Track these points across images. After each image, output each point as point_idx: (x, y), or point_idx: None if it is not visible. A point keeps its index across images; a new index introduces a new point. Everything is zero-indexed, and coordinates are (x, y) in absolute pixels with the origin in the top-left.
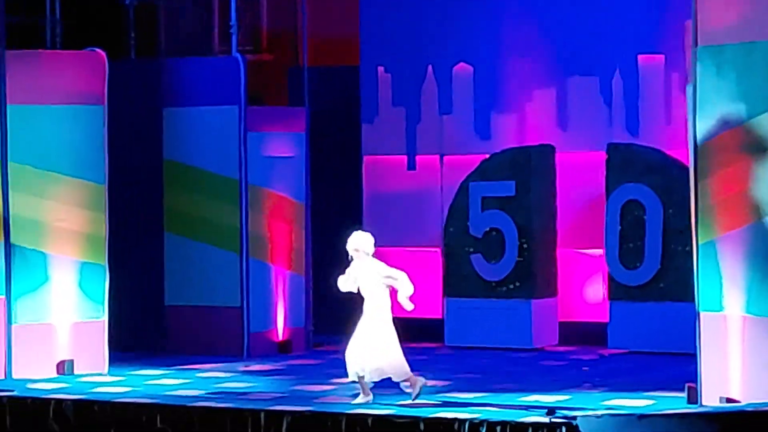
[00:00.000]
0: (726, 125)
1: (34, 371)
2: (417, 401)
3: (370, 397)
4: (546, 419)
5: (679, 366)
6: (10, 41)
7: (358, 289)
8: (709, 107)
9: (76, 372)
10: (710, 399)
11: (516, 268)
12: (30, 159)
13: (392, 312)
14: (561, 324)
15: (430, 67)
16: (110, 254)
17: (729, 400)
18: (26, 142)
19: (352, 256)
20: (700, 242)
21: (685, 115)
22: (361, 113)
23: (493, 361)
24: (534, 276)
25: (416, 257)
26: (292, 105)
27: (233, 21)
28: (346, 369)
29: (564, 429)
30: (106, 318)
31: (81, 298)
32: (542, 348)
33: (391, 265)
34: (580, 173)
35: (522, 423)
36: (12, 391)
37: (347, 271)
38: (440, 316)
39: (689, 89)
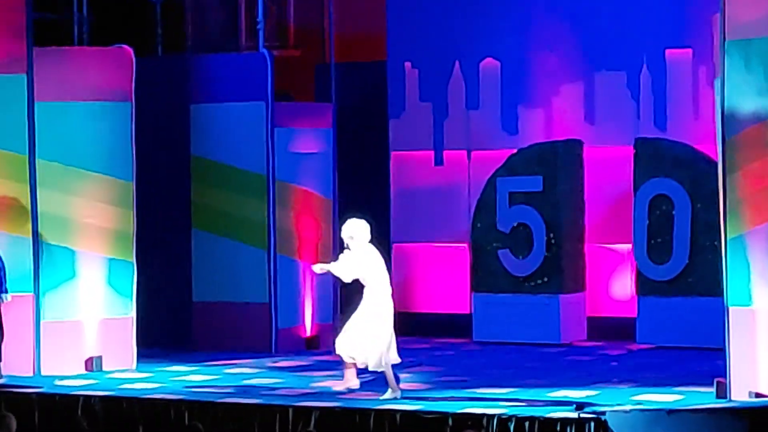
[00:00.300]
0: (754, 119)
1: (63, 368)
2: (445, 396)
3: (357, 383)
4: (574, 415)
5: (707, 361)
6: (37, 38)
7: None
8: (738, 101)
9: (104, 368)
10: (739, 393)
11: (544, 264)
12: (58, 156)
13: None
14: (589, 319)
15: (457, 63)
16: (138, 251)
17: (758, 395)
18: (54, 139)
19: (347, 244)
20: (728, 237)
21: (713, 109)
22: (388, 109)
23: (521, 357)
24: (562, 271)
25: (444, 253)
26: (319, 101)
27: (260, 17)
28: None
29: (593, 424)
30: (134, 314)
31: (109, 294)
32: (570, 343)
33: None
34: (607, 168)
35: (550, 418)
36: (40, 387)
37: (341, 258)
38: (468, 312)
39: (717, 83)
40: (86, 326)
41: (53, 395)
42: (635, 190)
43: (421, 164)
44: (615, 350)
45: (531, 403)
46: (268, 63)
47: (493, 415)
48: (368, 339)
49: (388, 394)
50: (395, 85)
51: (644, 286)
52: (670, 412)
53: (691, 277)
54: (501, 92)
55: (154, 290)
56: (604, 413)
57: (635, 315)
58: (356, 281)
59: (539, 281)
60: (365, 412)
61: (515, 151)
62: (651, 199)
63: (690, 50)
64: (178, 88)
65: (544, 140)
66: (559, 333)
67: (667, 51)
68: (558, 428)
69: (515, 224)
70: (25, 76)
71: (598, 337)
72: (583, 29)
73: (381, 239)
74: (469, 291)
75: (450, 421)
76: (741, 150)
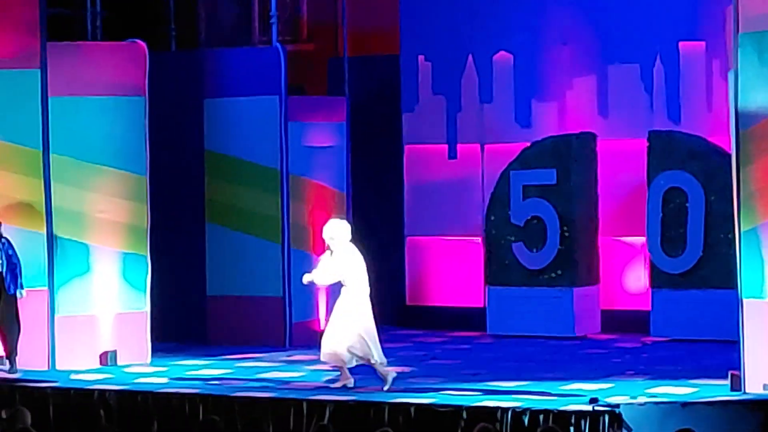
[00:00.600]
0: None
1: (78, 362)
2: (458, 390)
3: (351, 381)
4: (589, 407)
5: (721, 353)
6: (51, 33)
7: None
8: (751, 94)
9: (119, 363)
10: (753, 386)
11: (557, 257)
12: (72, 151)
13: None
14: (603, 312)
15: (470, 56)
16: (152, 245)
17: None
18: (68, 133)
19: (328, 245)
20: (742, 229)
21: (726, 101)
22: (401, 102)
23: (535, 350)
24: (576, 264)
25: (458, 246)
26: (332, 95)
27: (273, 11)
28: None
29: (607, 417)
30: (148, 308)
31: (123, 289)
32: (584, 336)
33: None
34: (621, 161)
35: (565, 411)
36: (55, 382)
37: (321, 259)
38: (482, 305)
39: (731, 76)
40: (101, 321)
41: (68, 390)
42: (649, 182)
43: (434, 158)
44: (629, 343)
45: (545, 396)
46: (282, 57)
47: (507, 409)
48: (358, 336)
49: (387, 383)
50: (408, 78)
51: (658, 278)
52: (685, 404)
53: (704, 270)
54: (514, 85)
55: (168, 284)
56: (618, 406)
57: (649, 308)
58: None
59: (553, 274)
60: (380, 406)
61: (529, 144)
62: (664, 192)
63: (703, 43)
64: (191, 83)
65: (557, 133)
66: (573, 326)
67: (681, 43)
68: (572, 421)
69: (529, 217)
70: (38, 71)
71: (612, 330)
72: (597, 22)
73: (395, 233)
74: (483, 284)
75: (464, 415)
76: (754, 142)
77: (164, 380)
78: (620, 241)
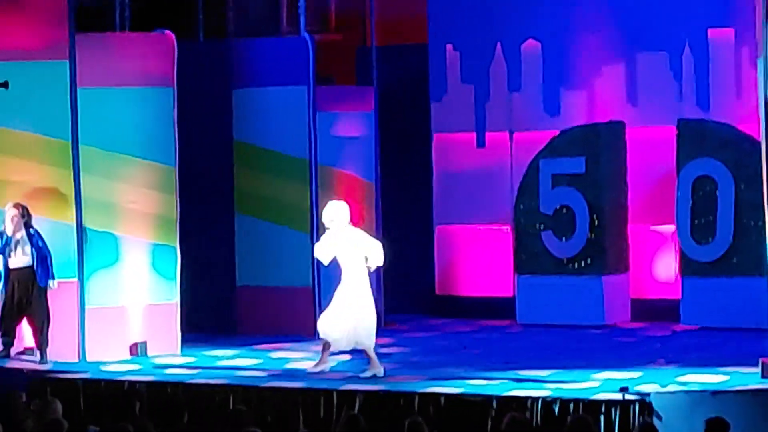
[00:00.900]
0: None
1: (108, 353)
2: (487, 379)
3: (327, 366)
4: (619, 396)
5: (752, 341)
6: (79, 24)
7: (335, 259)
8: None
9: (149, 354)
10: None
11: (587, 245)
12: (101, 141)
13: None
14: (633, 300)
15: (498, 44)
16: (181, 236)
17: None
18: (97, 124)
19: (327, 227)
20: None
21: (755, 89)
22: (429, 91)
23: (565, 339)
24: (605, 252)
25: (487, 235)
26: (360, 84)
27: (301, 1)
28: (326, 338)
29: (637, 406)
30: (178, 299)
31: (153, 280)
32: (614, 325)
33: (461, 244)
34: (650, 149)
35: (595, 400)
36: (86, 373)
37: (322, 239)
38: (511, 294)
39: (760, 63)
40: (131, 312)
41: (98, 381)
42: (678, 170)
43: (463, 146)
44: (659, 331)
45: (575, 385)
46: (310, 47)
47: (537, 398)
48: (354, 322)
49: (318, 367)
50: (437, 67)
51: (688, 266)
52: (715, 393)
53: (734, 258)
54: (543, 74)
55: (198, 275)
56: (648, 395)
57: (679, 296)
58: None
59: (582, 263)
60: (409, 396)
61: (558, 132)
62: (694, 180)
63: (732, 30)
64: (219, 73)
65: (586, 122)
66: (602, 314)
67: (710, 31)
68: (602, 410)
69: (558, 206)
70: (67, 62)
71: (642, 319)
72: (625, 10)
73: (424, 222)
74: (512, 273)
75: (494, 404)
76: None
77: (194, 371)
78: (650, 230)
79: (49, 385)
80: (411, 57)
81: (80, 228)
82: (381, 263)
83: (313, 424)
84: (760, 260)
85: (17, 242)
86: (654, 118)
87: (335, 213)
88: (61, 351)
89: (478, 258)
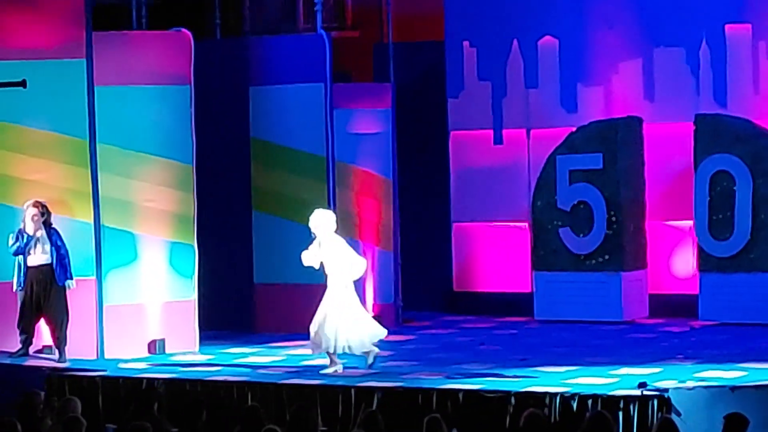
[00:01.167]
0: None
1: (126, 351)
2: (506, 375)
3: (340, 367)
4: (638, 392)
5: None
6: (96, 23)
7: (321, 265)
8: None
9: (167, 351)
10: None
11: (605, 241)
12: (118, 140)
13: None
14: (651, 296)
15: (515, 41)
16: (199, 233)
17: None
18: (114, 123)
19: (314, 235)
20: None
21: None
22: (446, 88)
23: (583, 335)
24: (623, 249)
25: (504, 232)
26: (377, 81)
27: None
28: (313, 343)
29: (656, 401)
30: (196, 297)
31: (171, 277)
32: (632, 321)
33: (479, 241)
34: (667, 144)
35: (613, 396)
36: (104, 371)
37: (310, 247)
38: (529, 291)
39: None
40: (149, 309)
41: (117, 378)
42: (695, 166)
43: (480, 143)
44: (677, 327)
45: (594, 381)
46: (326, 44)
47: (555, 394)
48: (342, 326)
49: (330, 369)
50: (453, 64)
51: (706, 262)
52: (734, 388)
53: (752, 253)
54: (560, 70)
55: (216, 273)
56: (667, 390)
57: (697, 292)
58: None
59: (600, 259)
60: (428, 392)
61: (575, 129)
62: (711, 176)
63: (749, 25)
64: (236, 71)
65: (603, 117)
66: (620, 311)
67: (727, 26)
68: (621, 406)
69: (575, 202)
70: (84, 61)
71: (660, 315)
72: (642, 5)
73: (441, 219)
74: (530, 270)
75: (512, 400)
76: None
77: (213, 368)
78: (668, 225)
79: (67, 383)
80: (428, 54)
81: (98, 226)
82: (358, 277)
83: (331, 421)
84: None
85: (37, 240)
86: (671, 113)
87: (321, 220)
88: (80, 349)
89: (495, 255)
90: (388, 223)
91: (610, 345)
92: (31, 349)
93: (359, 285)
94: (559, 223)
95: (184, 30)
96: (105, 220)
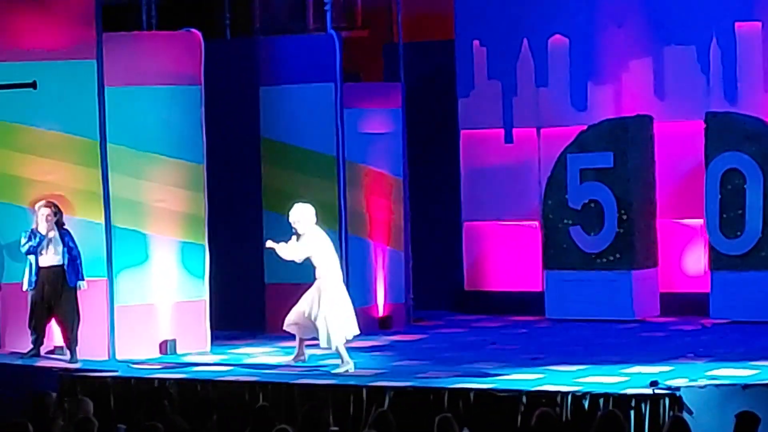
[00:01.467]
0: None
1: (137, 351)
2: (517, 374)
3: (351, 366)
4: (649, 391)
5: None
6: (106, 23)
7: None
8: None
9: (178, 351)
10: None
11: (615, 240)
12: (128, 140)
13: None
14: (662, 295)
15: (525, 40)
16: (210, 233)
17: None
18: (124, 123)
19: (295, 229)
20: None
21: None
22: (457, 87)
23: (594, 334)
24: (634, 247)
25: (515, 231)
26: (387, 81)
27: None
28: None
29: (667, 400)
30: (207, 297)
31: (182, 277)
32: (643, 319)
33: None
34: (678, 143)
35: (625, 395)
36: (116, 371)
37: (290, 242)
38: (540, 289)
39: None
40: (160, 310)
41: (128, 379)
42: (706, 164)
43: (490, 142)
44: (688, 325)
45: (605, 379)
46: (336, 44)
47: (567, 393)
48: (322, 320)
49: (340, 369)
50: (463, 63)
51: (717, 260)
52: (746, 386)
53: (764, 251)
54: (570, 69)
55: (227, 273)
56: (678, 389)
57: (708, 290)
58: None
59: (611, 258)
60: (439, 392)
61: (585, 127)
62: (722, 174)
63: (759, 23)
64: (246, 71)
65: (613, 116)
66: (632, 309)
67: (737, 24)
68: (633, 404)
69: (586, 201)
70: (94, 61)
71: (672, 313)
72: (652, 4)
73: (452, 218)
74: (540, 268)
75: (524, 399)
76: None
77: (224, 368)
78: (678, 224)
79: (79, 383)
80: (438, 53)
81: (109, 227)
82: (282, 254)
83: (342, 421)
84: None
85: (49, 241)
86: (682, 111)
87: (300, 214)
88: (91, 349)
89: (506, 254)
90: (399, 223)
91: (621, 344)
92: (43, 350)
93: (371, 285)
94: (570, 222)
95: (194, 30)
96: (116, 221)
